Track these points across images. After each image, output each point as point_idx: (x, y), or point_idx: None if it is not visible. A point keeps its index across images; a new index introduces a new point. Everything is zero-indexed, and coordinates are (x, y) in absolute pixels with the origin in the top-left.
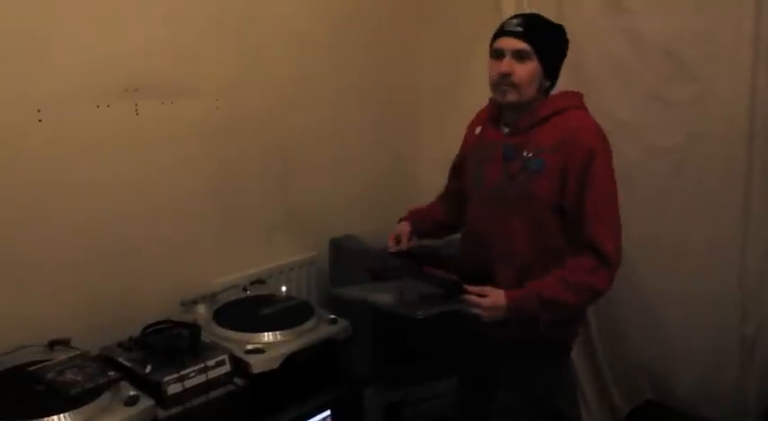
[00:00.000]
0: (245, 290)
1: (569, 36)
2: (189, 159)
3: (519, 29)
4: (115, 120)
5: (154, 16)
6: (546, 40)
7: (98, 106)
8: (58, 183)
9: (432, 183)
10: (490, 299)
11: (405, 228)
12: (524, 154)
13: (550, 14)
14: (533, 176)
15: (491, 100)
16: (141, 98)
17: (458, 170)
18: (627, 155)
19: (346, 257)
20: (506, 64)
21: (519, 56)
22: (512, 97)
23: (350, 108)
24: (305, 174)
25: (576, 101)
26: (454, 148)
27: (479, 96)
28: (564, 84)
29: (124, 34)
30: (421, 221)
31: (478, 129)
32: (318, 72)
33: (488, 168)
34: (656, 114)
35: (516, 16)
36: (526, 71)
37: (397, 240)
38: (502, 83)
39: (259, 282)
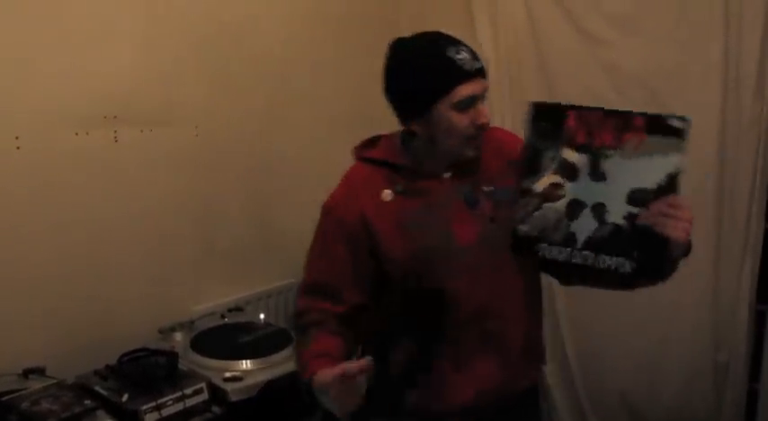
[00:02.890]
0: (222, 317)
1: (547, 66)
2: (167, 187)
3: (479, 64)
4: (94, 147)
5: (132, 44)
6: None
7: (77, 134)
8: (35, 211)
9: None
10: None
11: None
12: (484, 189)
13: (527, 44)
14: (507, 209)
15: (371, 155)
16: (120, 126)
17: (362, 268)
18: None
19: None
20: (486, 111)
21: (481, 99)
22: (476, 150)
23: (330, 134)
24: (283, 202)
25: None
26: None
27: None
28: None
29: (103, 62)
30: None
31: (387, 194)
32: (298, 97)
33: (456, 227)
34: None
35: (462, 46)
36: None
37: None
38: (478, 136)
39: (237, 309)
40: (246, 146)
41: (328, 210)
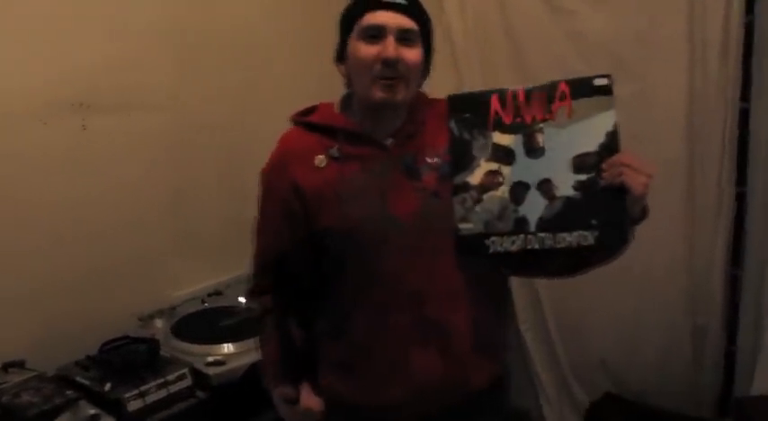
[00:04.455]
0: (203, 302)
1: (515, 35)
2: (140, 173)
3: (403, 1)
4: (63, 136)
5: (99, 30)
6: (428, 18)
7: (45, 123)
8: (6, 202)
9: None
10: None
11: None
12: (428, 161)
13: (495, 19)
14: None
15: (308, 120)
16: (89, 113)
17: (300, 238)
18: None
19: None
20: (392, 46)
21: (404, 38)
22: (401, 94)
23: None
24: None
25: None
26: None
27: None
28: (509, 84)
29: (69, 49)
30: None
31: (321, 160)
32: (270, 79)
33: (393, 197)
34: None
35: None
36: (417, 58)
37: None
38: (385, 74)
39: (217, 293)
40: (220, 129)
41: (261, 180)
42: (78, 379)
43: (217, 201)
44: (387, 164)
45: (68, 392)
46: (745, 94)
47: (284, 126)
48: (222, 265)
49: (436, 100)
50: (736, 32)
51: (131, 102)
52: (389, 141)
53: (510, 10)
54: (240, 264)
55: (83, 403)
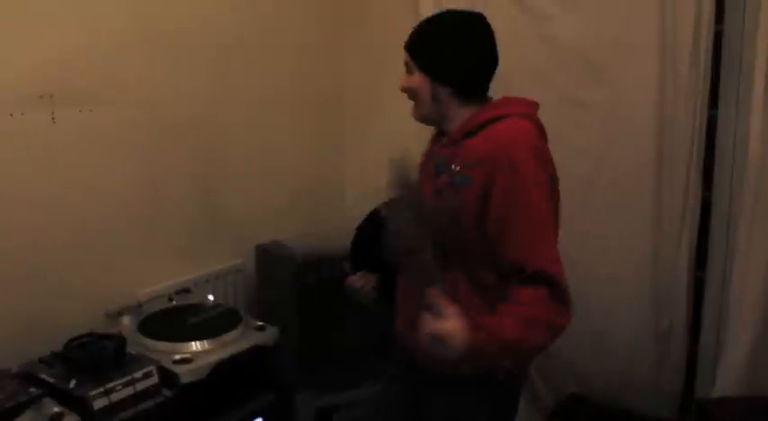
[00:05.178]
0: (170, 299)
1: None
2: (109, 168)
3: (406, 39)
4: (30, 128)
5: (69, 21)
6: (425, 46)
7: (11, 114)
8: None
9: (358, 188)
10: (451, 324)
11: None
12: (452, 167)
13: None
14: (456, 192)
15: None
16: (58, 106)
17: None
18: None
19: (273, 263)
20: (403, 78)
21: (407, 68)
22: (415, 112)
23: (275, 114)
24: (229, 182)
25: (519, 108)
26: (380, 155)
27: (402, 103)
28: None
29: (38, 39)
30: None
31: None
32: (242, 78)
33: (425, 183)
34: (572, 118)
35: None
36: (407, 83)
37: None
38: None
39: (185, 291)
40: (191, 125)
41: None
42: (42, 376)
43: (186, 198)
44: (432, 157)
45: (32, 389)
46: (714, 101)
47: (255, 124)
48: (191, 263)
49: (506, 119)
50: (706, 40)
51: (102, 95)
52: (444, 140)
53: (482, 11)
54: (209, 261)
55: (47, 400)
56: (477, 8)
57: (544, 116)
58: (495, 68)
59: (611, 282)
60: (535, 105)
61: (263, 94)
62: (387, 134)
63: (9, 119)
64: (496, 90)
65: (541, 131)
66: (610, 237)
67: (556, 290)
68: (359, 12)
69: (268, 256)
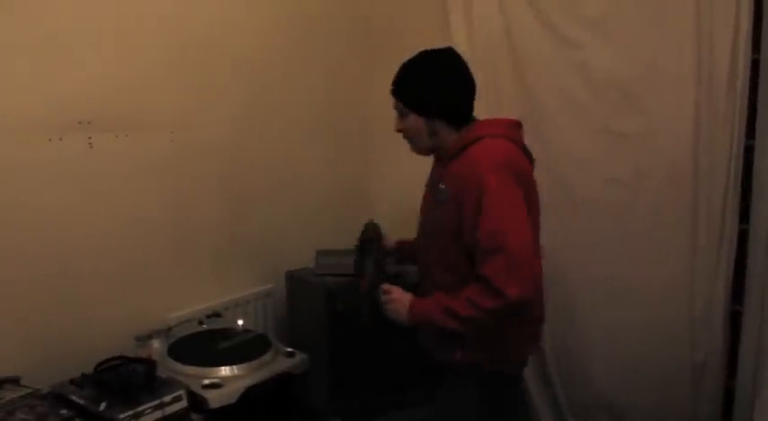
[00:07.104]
0: (200, 323)
1: (522, 66)
2: (143, 192)
3: (392, 86)
4: (68, 153)
5: (107, 49)
6: (410, 88)
7: (50, 139)
8: (9, 218)
9: (388, 210)
10: (398, 292)
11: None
12: (440, 186)
13: (502, 49)
14: (440, 207)
15: None
16: (95, 131)
17: None
18: (582, 187)
19: (304, 290)
20: (394, 121)
21: (398, 112)
22: (413, 148)
23: (304, 138)
24: (260, 207)
25: (494, 129)
26: (408, 176)
27: None
28: (520, 118)
29: (77, 67)
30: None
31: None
32: (271, 102)
33: (425, 199)
34: (606, 147)
35: None
36: (406, 126)
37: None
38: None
39: (215, 315)
40: (222, 150)
41: None
42: (73, 397)
43: (217, 223)
44: (430, 175)
45: (63, 411)
46: (751, 131)
47: (283, 150)
48: (221, 287)
49: (483, 140)
50: (743, 69)
51: (137, 122)
52: (440, 161)
53: (517, 40)
54: (239, 286)
55: None
56: (509, 38)
57: (578, 145)
58: (474, 91)
59: (645, 313)
60: (514, 125)
61: (293, 119)
62: (413, 156)
63: (48, 143)
64: (533, 118)
65: (518, 148)
66: (645, 266)
67: (504, 260)
68: (391, 37)
69: (299, 283)
